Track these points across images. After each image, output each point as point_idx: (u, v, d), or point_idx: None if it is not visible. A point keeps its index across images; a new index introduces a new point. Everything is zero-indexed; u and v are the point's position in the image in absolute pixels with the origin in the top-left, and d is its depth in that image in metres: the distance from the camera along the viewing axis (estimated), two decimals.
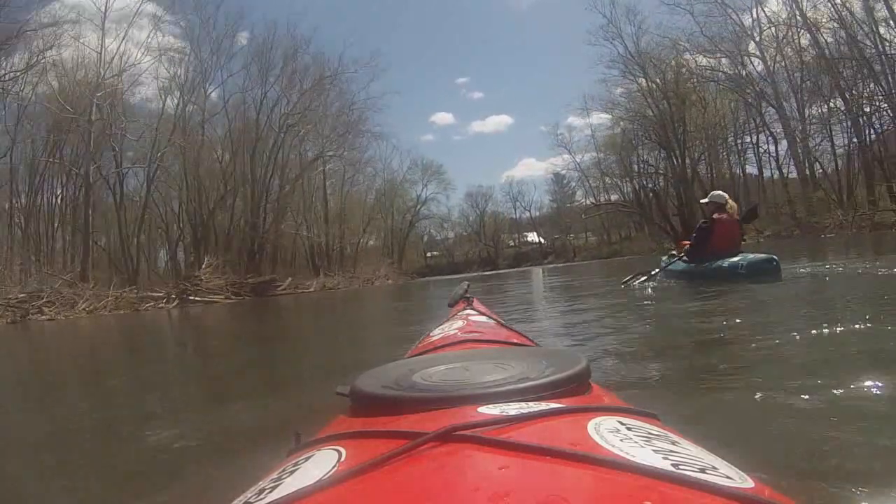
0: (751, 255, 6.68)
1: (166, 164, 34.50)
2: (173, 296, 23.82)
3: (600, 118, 46.88)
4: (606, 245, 55.31)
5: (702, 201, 7.62)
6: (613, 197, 50.63)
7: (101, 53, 30.48)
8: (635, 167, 47.44)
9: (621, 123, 44.32)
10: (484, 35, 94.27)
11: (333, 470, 0.53)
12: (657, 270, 8.04)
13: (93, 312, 21.53)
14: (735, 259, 6.66)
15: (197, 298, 24.49)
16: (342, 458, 0.56)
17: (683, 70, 38.44)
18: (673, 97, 38.61)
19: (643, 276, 7.99)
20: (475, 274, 43.52)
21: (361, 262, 45.88)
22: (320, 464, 0.56)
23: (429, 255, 70.98)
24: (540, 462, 0.48)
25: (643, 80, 40.27)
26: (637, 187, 47.42)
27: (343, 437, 0.63)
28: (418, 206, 62.85)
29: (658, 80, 39.15)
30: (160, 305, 23.23)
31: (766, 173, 41.70)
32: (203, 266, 27.02)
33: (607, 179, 49.65)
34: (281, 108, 38.43)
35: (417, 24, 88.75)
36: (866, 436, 1.43)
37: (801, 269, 7.14)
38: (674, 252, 8.41)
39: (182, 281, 25.92)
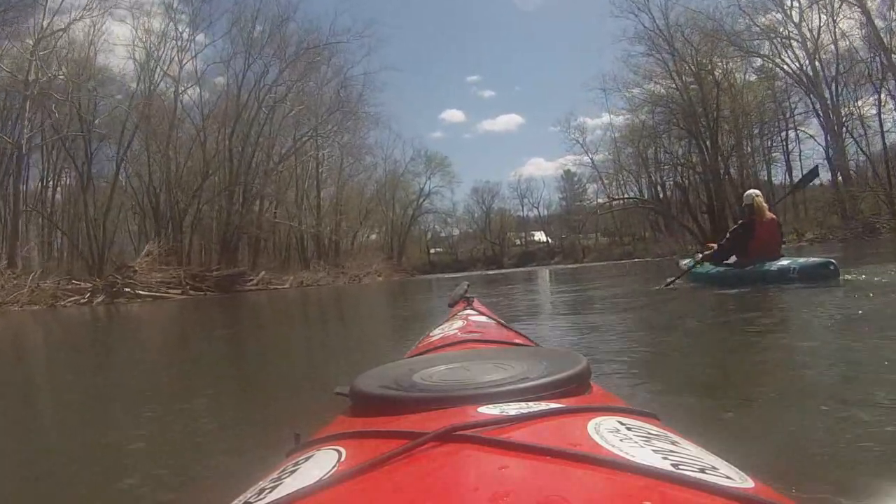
0: (801, 259, 6.30)
1: (140, 139, 29.12)
2: (100, 289, 18.76)
3: (617, 109, 41.26)
4: (618, 246, 52.98)
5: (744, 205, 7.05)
6: (629, 194, 44.91)
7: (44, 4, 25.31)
8: (652, 161, 41.25)
9: (642, 110, 38.29)
10: (495, 34, 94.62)
11: (333, 470, 0.53)
12: (686, 267, 7.70)
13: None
14: (784, 262, 6.28)
15: (139, 293, 19.42)
16: (342, 458, 0.57)
17: (716, 50, 32.64)
18: (705, 77, 32.89)
19: (675, 277, 7.67)
20: (477, 273, 39.31)
21: (357, 257, 42.77)
22: (320, 464, 0.56)
23: (432, 251, 69.28)
24: (540, 462, 0.48)
25: (671, 58, 34.25)
26: (656, 182, 41.74)
27: (343, 437, 0.64)
28: (421, 200, 60.80)
29: (689, 58, 33.29)
30: (82, 301, 18.24)
31: (795, 172, 36.19)
32: (142, 254, 21.88)
33: (623, 174, 43.97)
34: (264, 82, 33.01)
35: (428, 20, 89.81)
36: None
37: None
38: (699, 253, 7.86)
39: (113, 273, 20.83)
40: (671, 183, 43.93)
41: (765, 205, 6.82)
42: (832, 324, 3.73)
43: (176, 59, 33.75)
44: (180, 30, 34.03)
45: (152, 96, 31.88)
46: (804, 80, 35.06)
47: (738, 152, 37.61)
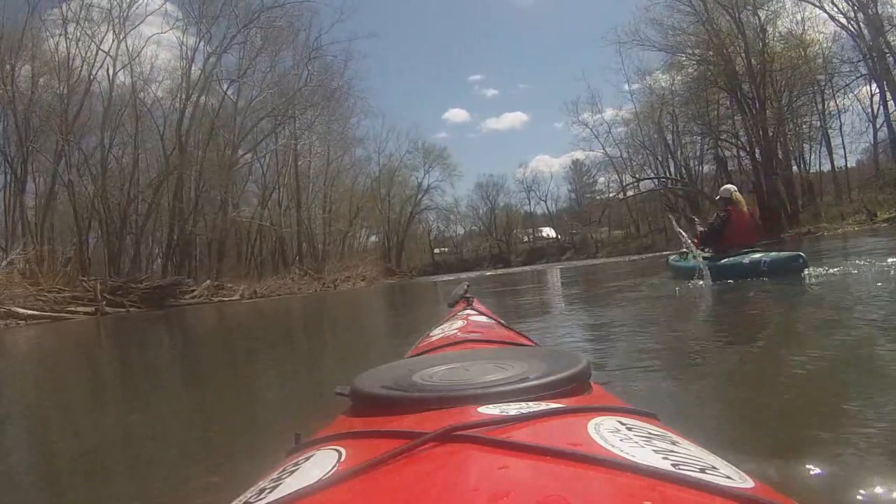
0: (774, 253, 6.43)
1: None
2: None
3: (633, 87, 34.27)
4: (634, 239, 48.37)
5: (716, 199, 7.60)
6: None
7: None
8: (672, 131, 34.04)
9: (667, 72, 31.10)
10: (495, 32, 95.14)
11: (333, 470, 0.54)
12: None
13: None
14: (757, 255, 6.29)
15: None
16: (342, 458, 0.58)
17: None
18: (748, 20, 25.85)
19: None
20: (475, 274, 34.24)
21: (347, 260, 37.58)
22: (320, 464, 0.57)
23: (436, 251, 65.30)
24: (540, 462, 0.48)
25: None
26: (680, 161, 34.69)
27: (343, 437, 0.66)
28: (419, 195, 56.19)
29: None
30: None
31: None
32: (4, 263, 15.44)
33: (641, 154, 36.69)
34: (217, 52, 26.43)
35: (428, 19, 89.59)
36: None
37: None
38: (684, 250, 7.81)
39: None
40: (698, 162, 36.81)
41: (742, 198, 7.03)
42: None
43: (113, 33, 27.52)
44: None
45: (62, 66, 25.61)
46: (864, 33, 27.89)
47: (789, 115, 30.11)
